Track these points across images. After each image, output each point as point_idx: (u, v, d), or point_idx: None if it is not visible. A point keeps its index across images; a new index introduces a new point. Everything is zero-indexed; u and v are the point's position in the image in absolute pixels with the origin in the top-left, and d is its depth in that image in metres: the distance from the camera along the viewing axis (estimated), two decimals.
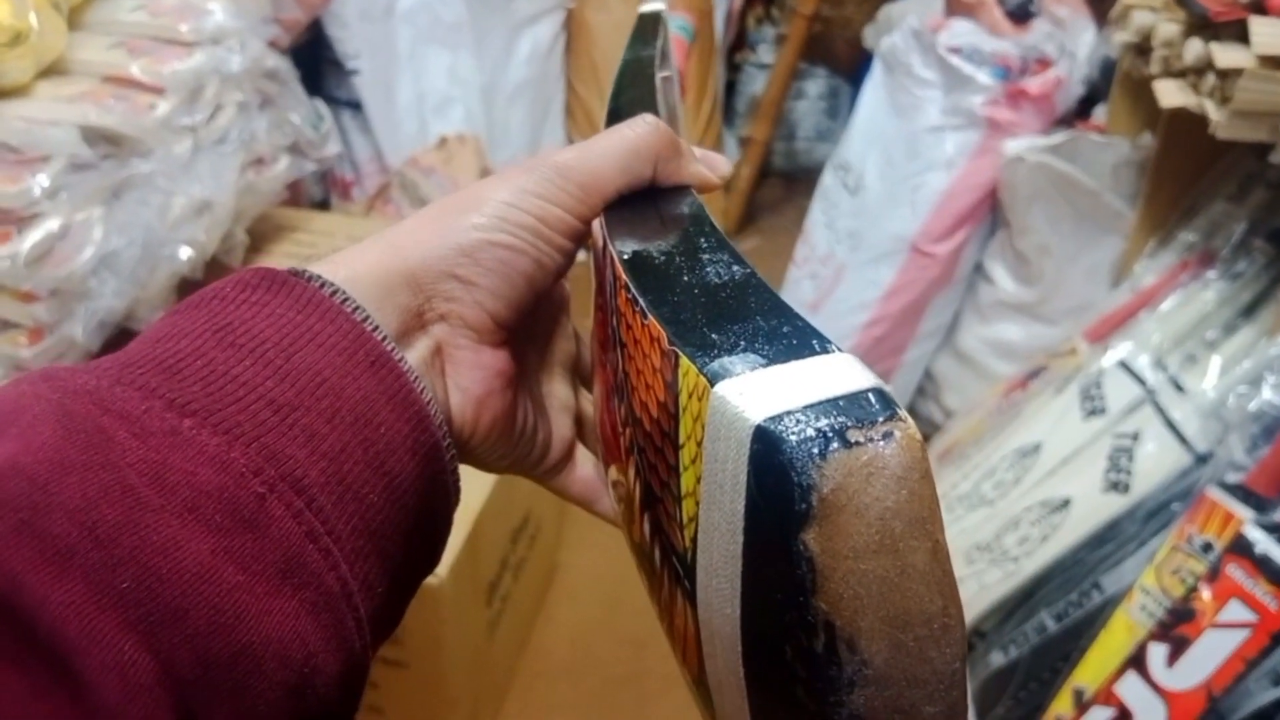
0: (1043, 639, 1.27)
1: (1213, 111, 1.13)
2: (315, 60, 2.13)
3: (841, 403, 0.23)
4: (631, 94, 0.43)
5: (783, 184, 2.94)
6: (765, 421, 0.22)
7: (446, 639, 1.07)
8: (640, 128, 0.36)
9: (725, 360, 0.25)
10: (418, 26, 2.14)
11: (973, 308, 1.68)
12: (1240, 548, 1.05)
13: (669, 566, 0.29)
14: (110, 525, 0.24)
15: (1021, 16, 1.63)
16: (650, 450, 0.29)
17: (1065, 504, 1.32)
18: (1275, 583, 1.01)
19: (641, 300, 0.29)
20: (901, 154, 1.58)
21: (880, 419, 0.22)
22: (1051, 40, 1.55)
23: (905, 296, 1.61)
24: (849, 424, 0.22)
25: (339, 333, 0.29)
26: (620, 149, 0.35)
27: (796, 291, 1.76)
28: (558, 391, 0.42)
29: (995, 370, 1.67)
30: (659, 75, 0.45)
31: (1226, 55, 1.10)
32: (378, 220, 1.68)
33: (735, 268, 0.30)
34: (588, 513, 0.42)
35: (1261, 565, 1.02)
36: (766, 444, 0.22)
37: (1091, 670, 1.18)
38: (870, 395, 0.23)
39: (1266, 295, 1.30)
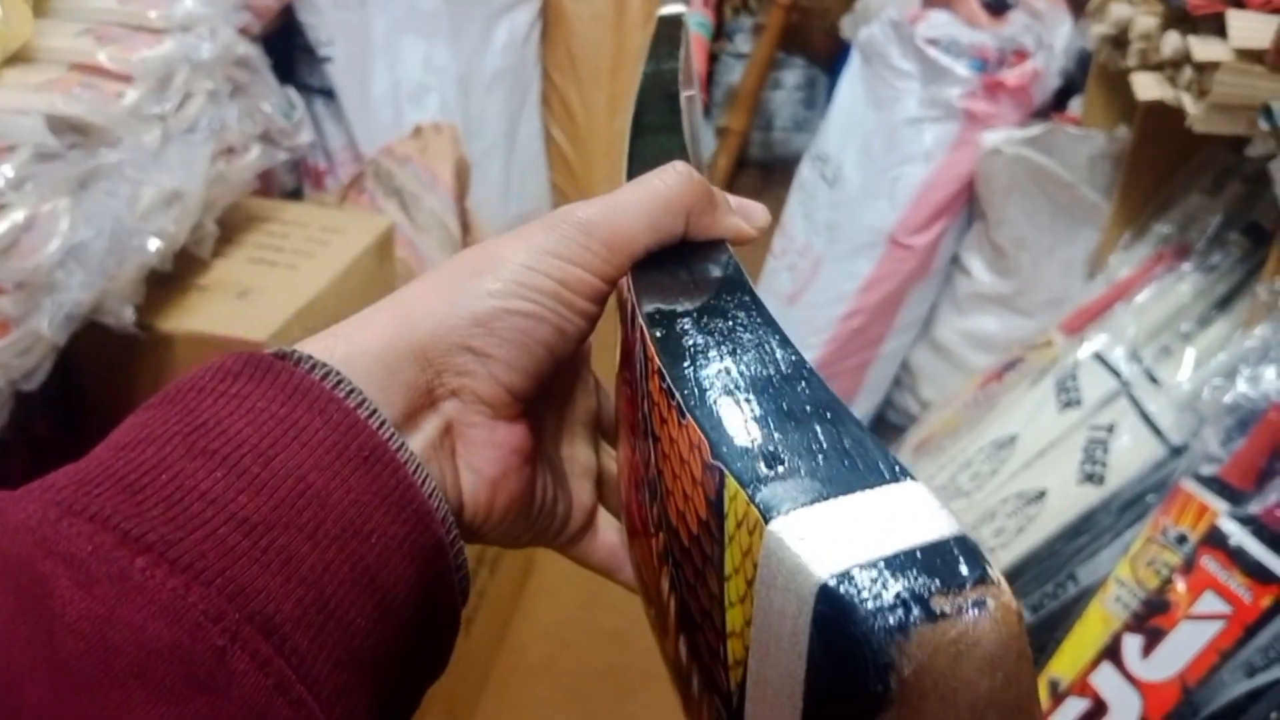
0: None
1: (1190, 105, 1.14)
2: (288, 47, 2.10)
3: (922, 557, 0.19)
4: (654, 117, 0.40)
5: (760, 174, 2.94)
6: (833, 579, 0.19)
7: None
8: (671, 179, 0.33)
9: (780, 488, 0.22)
10: (393, 14, 2.11)
11: (950, 300, 1.69)
12: (1215, 540, 1.05)
13: (710, 702, 0.26)
14: (35, 706, 0.20)
15: (998, 8, 1.63)
16: (689, 569, 0.26)
17: (1041, 496, 1.33)
18: (1249, 575, 1.01)
19: (678, 394, 0.26)
20: (880, 146, 1.58)
21: (969, 582, 0.19)
22: (1028, 32, 1.55)
23: (883, 288, 1.61)
24: (933, 588, 0.19)
25: (329, 425, 0.27)
26: (649, 204, 0.32)
27: (774, 283, 1.76)
28: (579, 454, 0.39)
29: (972, 362, 1.68)
30: (683, 94, 0.42)
31: (1204, 49, 1.10)
32: (351, 210, 1.66)
33: (780, 351, 0.27)
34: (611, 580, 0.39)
35: (1236, 557, 1.03)
36: (835, 608, 0.19)
37: (1067, 661, 1.18)
38: (955, 547, 0.20)
39: (1241, 288, 1.31)
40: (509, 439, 0.32)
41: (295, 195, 2.16)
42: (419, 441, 0.30)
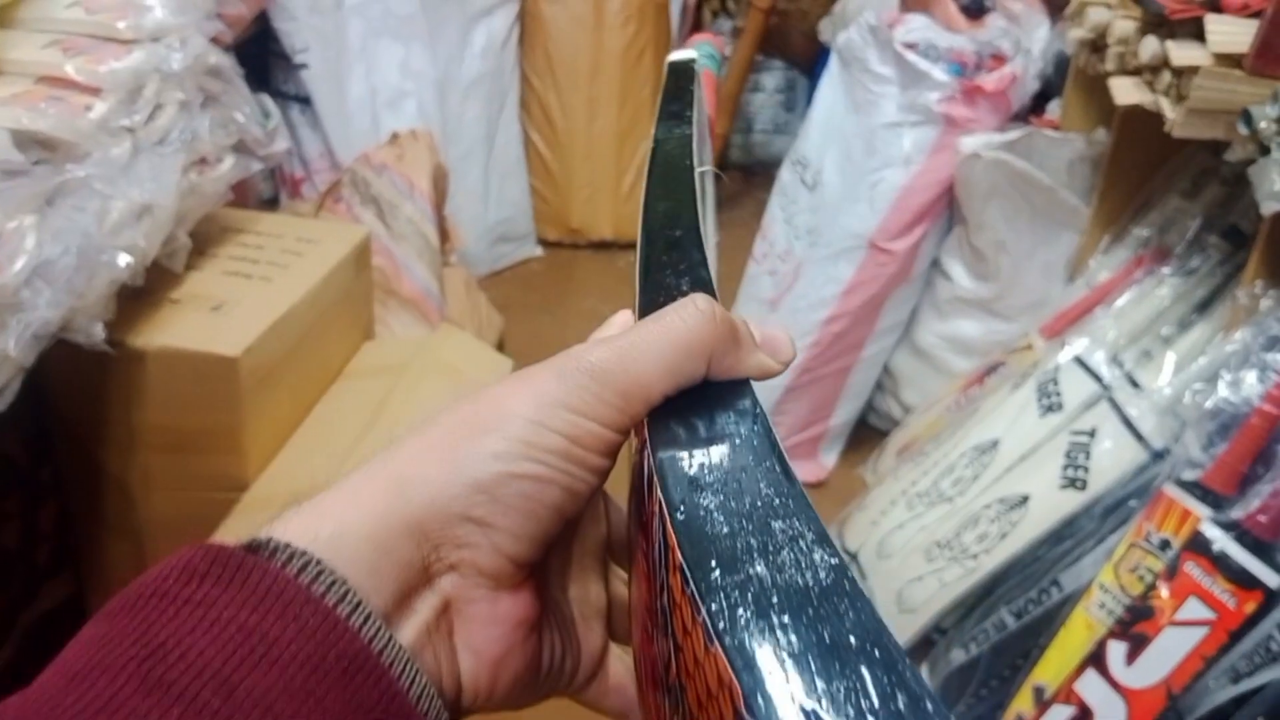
0: (1003, 636, 1.27)
1: (1168, 109, 1.14)
2: (262, 54, 2.07)
3: None
4: (668, 203, 0.37)
5: (741, 177, 2.93)
6: None
7: None
8: (692, 319, 0.29)
9: None
10: (369, 19, 2.09)
11: (930, 304, 1.69)
12: (1198, 545, 1.05)
13: None
14: None
15: (976, 12, 1.63)
16: None
17: (1023, 501, 1.33)
18: (1233, 581, 1.01)
19: (703, 609, 0.23)
20: (859, 150, 1.57)
21: None
22: (1006, 36, 1.55)
23: (864, 293, 1.61)
24: None
25: (304, 635, 0.24)
26: (668, 348, 0.29)
27: (756, 288, 1.75)
28: (589, 593, 0.35)
29: (953, 366, 1.68)
30: (697, 170, 0.39)
31: (1182, 53, 1.10)
32: (327, 220, 1.65)
33: (818, 552, 0.24)
34: None
35: (1219, 563, 1.03)
36: None
37: (1051, 668, 1.18)
38: None
39: (1220, 291, 1.31)
40: (512, 611, 0.29)
41: (272, 204, 2.14)
42: (412, 629, 0.27)
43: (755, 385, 0.31)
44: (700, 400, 0.29)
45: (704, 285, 0.33)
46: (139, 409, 1.09)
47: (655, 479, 0.27)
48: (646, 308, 0.32)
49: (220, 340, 1.07)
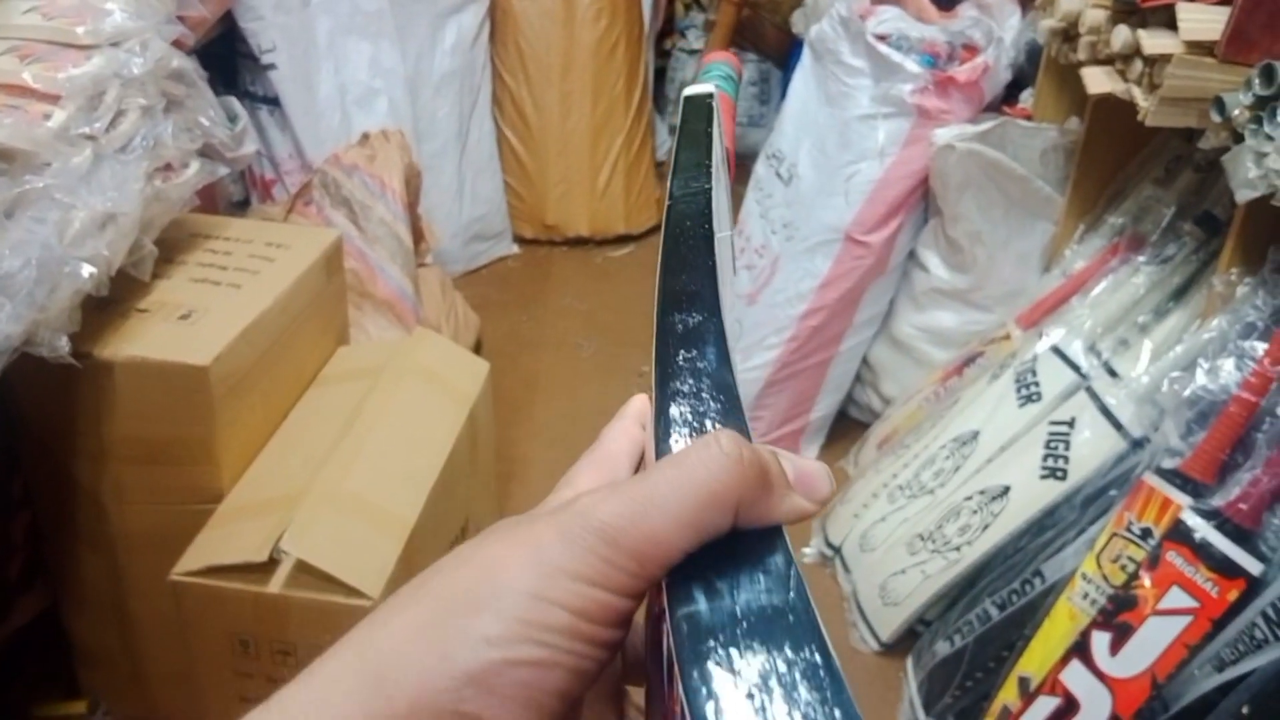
0: (987, 628, 1.27)
1: (1141, 98, 1.14)
2: (229, 55, 2.05)
3: None
4: (685, 276, 0.34)
5: None
6: None
7: None
8: (715, 462, 0.25)
9: None
10: (336, 16, 2.07)
11: (908, 295, 1.68)
12: (1179, 534, 1.05)
13: None
14: None
15: (947, 2, 1.63)
16: None
17: (1004, 492, 1.33)
18: (1215, 569, 1.01)
19: None
20: (834, 143, 1.57)
21: None
22: (978, 26, 1.55)
23: (841, 286, 1.60)
24: None
25: None
26: (690, 499, 0.25)
27: (734, 282, 1.74)
28: None
29: (931, 357, 1.67)
30: (717, 235, 0.36)
31: (1154, 41, 1.10)
32: (297, 224, 1.62)
33: None
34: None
35: (1201, 552, 1.03)
36: None
37: (1036, 659, 1.18)
38: None
39: (1196, 278, 1.31)
40: None
41: (243, 206, 2.11)
42: None
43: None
44: (726, 555, 0.25)
45: (727, 394, 0.29)
46: (109, 420, 1.07)
47: (677, 666, 0.23)
48: (662, 432, 0.28)
49: (189, 349, 1.05)
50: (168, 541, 1.07)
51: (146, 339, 1.06)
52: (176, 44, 1.16)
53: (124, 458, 1.09)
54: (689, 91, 0.44)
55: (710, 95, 0.44)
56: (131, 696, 1.23)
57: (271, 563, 1.00)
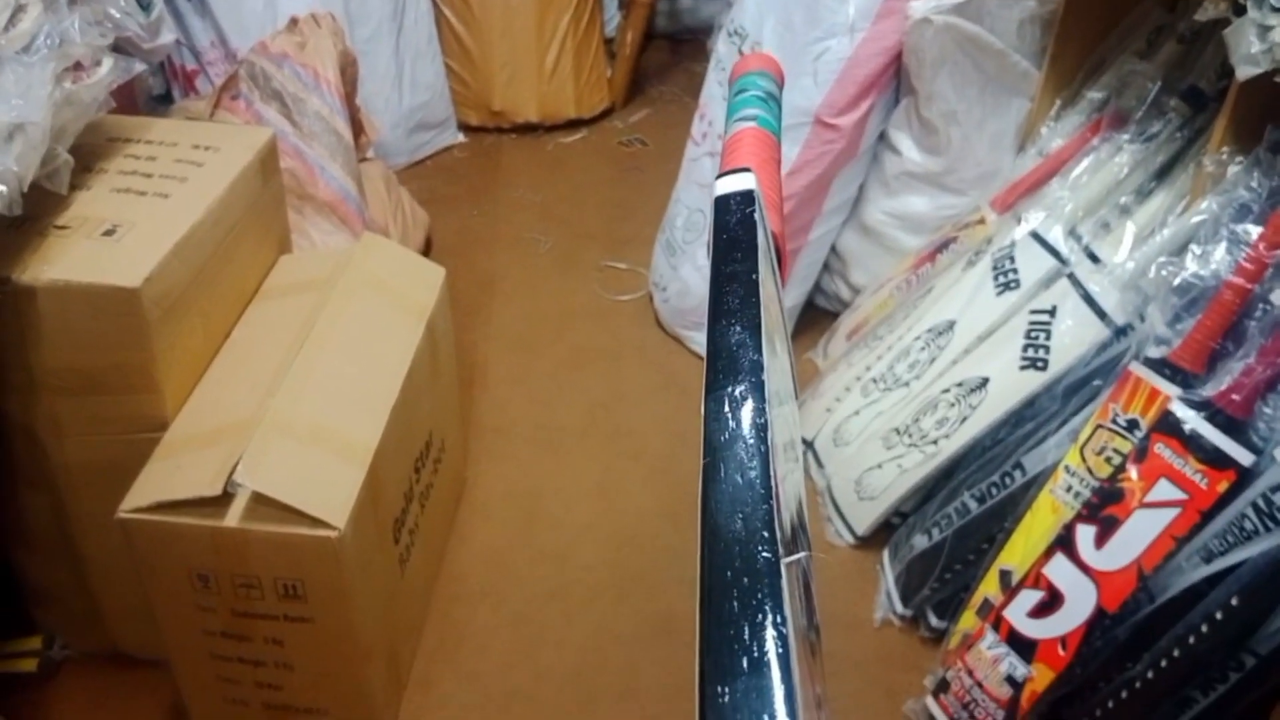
0: (965, 521, 1.26)
1: None
2: None
3: None
4: (740, 523, 0.32)
5: (669, 47, 2.79)
6: None
7: (352, 589, 0.99)
8: None
9: None
10: None
11: (878, 180, 1.62)
12: (1168, 426, 1.03)
13: None
14: None
15: None
16: None
17: (983, 383, 1.30)
18: (1205, 461, 0.99)
19: None
20: (800, 19, 1.47)
21: None
22: None
23: (810, 172, 1.53)
24: None
25: None
26: None
27: (698, 171, 1.66)
28: None
29: (902, 244, 1.62)
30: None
31: None
32: (226, 123, 1.50)
33: None
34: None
35: (1190, 444, 1.01)
36: None
37: (1018, 552, 1.17)
38: None
39: (1181, 157, 1.26)
40: None
41: (164, 100, 1.96)
42: None
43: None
44: None
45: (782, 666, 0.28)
46: (36, 351, 0.99)
47: None
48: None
49: (117, 270, 0.96)
50: (113, 474, 1.01)
51: (69, 260, 0.97)
52: None
53: (56, 389, 1.01)
54: (721, 189, 0.37)
55: (751, 193, 0.37)
56: (89, 633, 1.18)
57: (225, 495, 0.94)
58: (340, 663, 1.05)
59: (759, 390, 0.36)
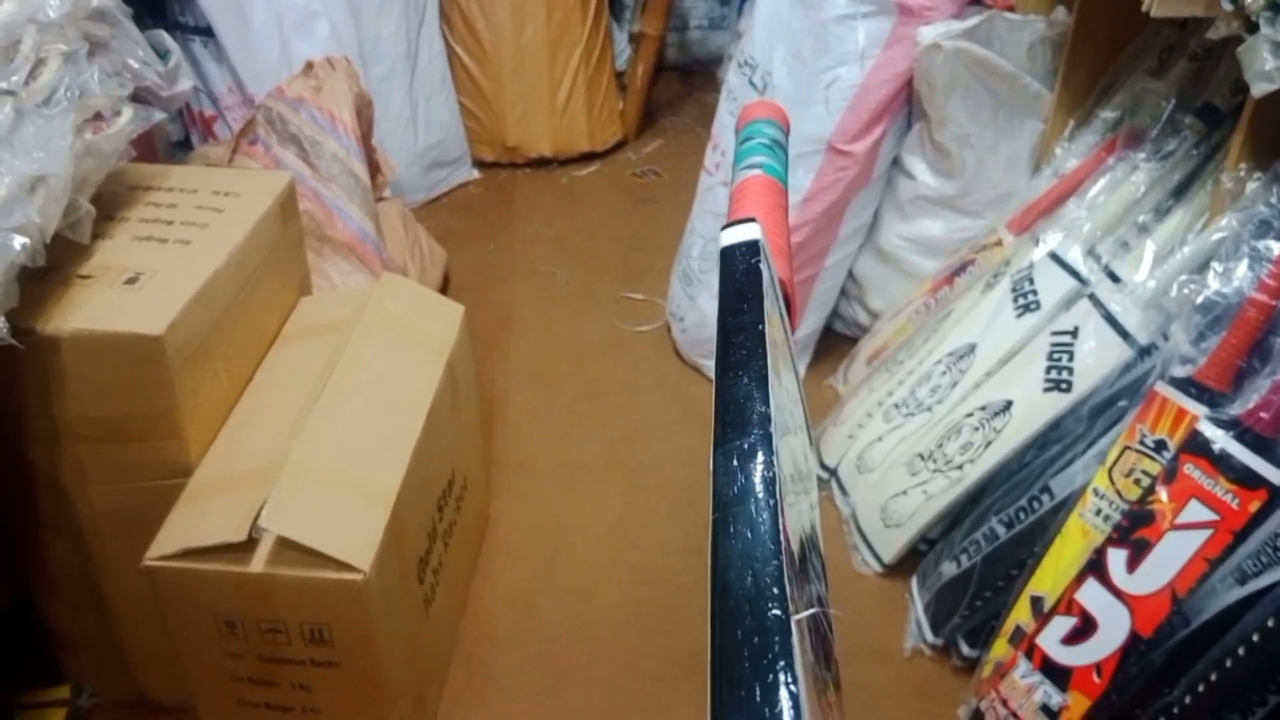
0: (994, 547, 1.24)
1: None
2: None
3: None
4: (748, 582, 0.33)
5: (679, 78, 2.81)
6: None
7: (378, 631, 0.98)
8: None
9: None
10: None
11: (893, 205, 1.62)
12: (1196, 446, 1.02)
13: None
14: None
15: None
16: None
17: (1007, 406, 1.29)
18: (1235, 481, 0.98)
19: None
20: (810, 48, 1.48)
21: None
22: None
23: (825, 199, 1.53)
24: None
25: None
26: None
27: (712, 201, 1.66)
28: None
29: (919, 268, 1.62)
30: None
31: None
32: (244, 168, 1.52)
33: None
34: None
35: (1220, 463, 0.99)
36: None
37: (1049, 578, 1.16)
38: None
39: (1198, 174, 1.25)
40: None
41: (184, 146, 1.99)
42: None
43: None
44: None
45: None
46: (60, 399, 0.99)
47: None
48: None
49: (139, 318, 0.97)
50: (138, 521, 1.01)
51: (92, 309, 0.98)
52: None
53: (81, 437, 1.01)
54: (728, 240, 0.38)
55: (756, 243, 0.37)
56: (117, 680, 1.18)
57: (250, 541, 0.94)
58: (367, 706, 1.04)
59: (767, 443, 0.37)
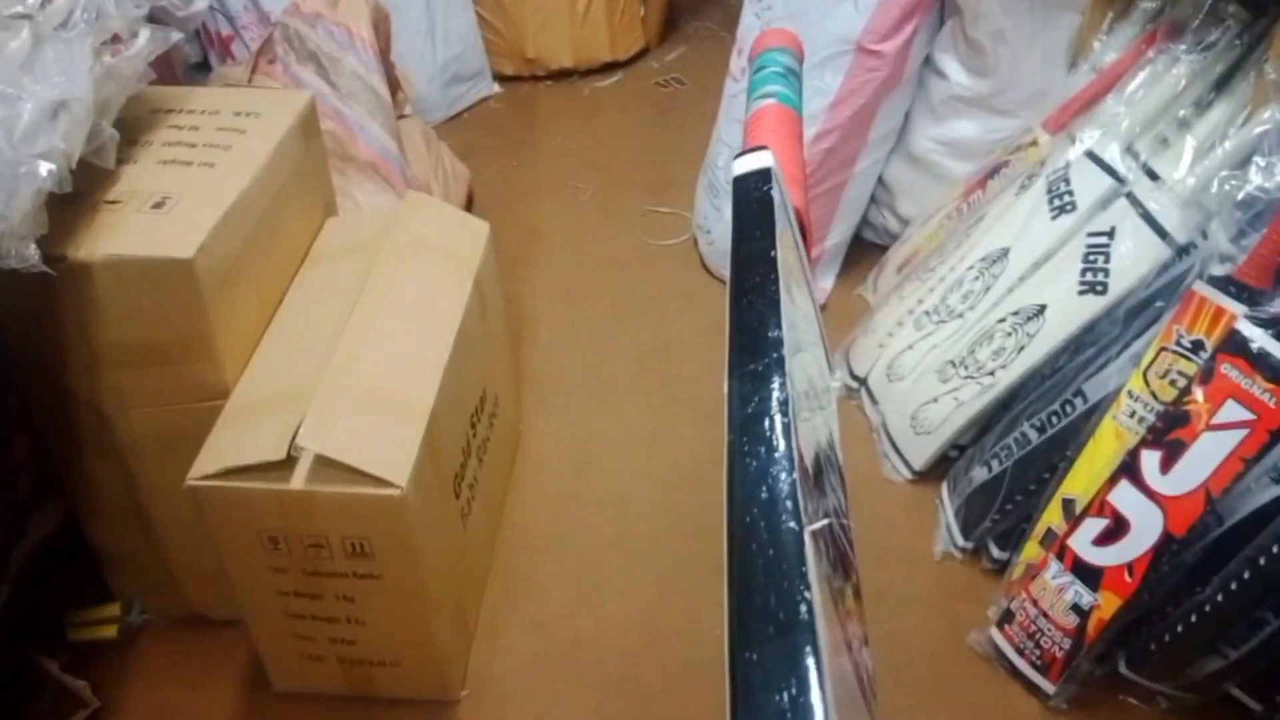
0: (1026, 451, 1.24)
1: None
2: None
3: None
4: (764, 557, 0.33)
5: None
6: None
7: (418, 545, 1.00)
8: None
9: None
10: None
11: (924, 106, 1.58)
12: (1234, 345, 1.00)
13: None
14: None
15: None
16: None
17: (1040, 311, 1.27)
18: (1273, 380, 0.97)
19: None
20: None
21: None
22: None
23: (854, 102, 1.50)
24: None
25: None
26: None
27: (738, 108, 1.63)
28: None
29: (951, 171, 1.59)
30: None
31: None
32: (264, 88, 1.50)
33: None
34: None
35: (1258, 362, 0.98)
36: None
37: (1081, 480, 1.15)
38: None
39: (1241, 65, 1.21)
40: None
41: (202, 68, 1.97)
42: None
43: None
44: None
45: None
46: (96, 326, 1.00)
47: None
48: None
49: (169, 241, 0.97)
50: (179, 443, 1.03)
51: (121, 234, 0.98)
52: None
53: (118, 363, 1.02)
54: (739, 168, 0.37)
55: (768, 172, 0.38)
56: (166, 597, 1.22)
57: (290, 459, 0.96)
58: (409, 616, 1.07)
59: (780, 366, 0.37)
